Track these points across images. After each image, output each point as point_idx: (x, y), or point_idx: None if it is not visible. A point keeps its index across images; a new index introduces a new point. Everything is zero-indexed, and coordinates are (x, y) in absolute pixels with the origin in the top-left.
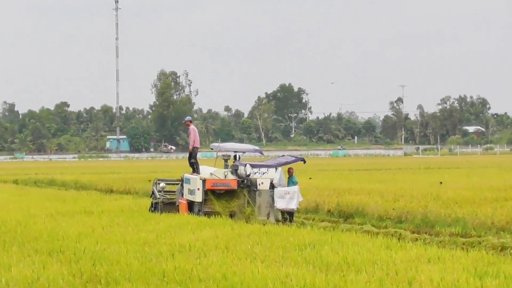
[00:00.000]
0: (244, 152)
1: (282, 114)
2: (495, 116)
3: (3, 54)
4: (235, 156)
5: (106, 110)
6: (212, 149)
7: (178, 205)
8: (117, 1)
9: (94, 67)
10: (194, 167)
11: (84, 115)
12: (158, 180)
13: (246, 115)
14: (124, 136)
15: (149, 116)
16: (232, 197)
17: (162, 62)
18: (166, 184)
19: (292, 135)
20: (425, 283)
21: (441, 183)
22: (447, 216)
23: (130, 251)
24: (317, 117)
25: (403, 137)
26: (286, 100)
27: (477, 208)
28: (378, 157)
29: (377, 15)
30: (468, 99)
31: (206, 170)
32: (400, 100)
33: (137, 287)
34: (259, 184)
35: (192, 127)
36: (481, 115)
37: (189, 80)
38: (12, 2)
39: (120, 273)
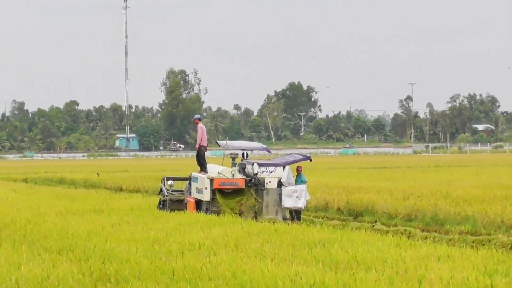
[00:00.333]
0: (251, 150)
1: (292, 113)
2: (504, 114)
3: (13, 52)
4: (242, 154)
5: (115, 108)
6: (219, 145)
7: (186, 203)
8: (126, 0)
9: (104, 65)
10: (202, 165)
11: (94, 113)
12: (166, 177)
13: (255, 113)
14: (134, 135)
15: (159, 115)
16: (240, 196)
17: (171, 61)
18: (174, 181)
19: (301, 134)
20: (434, 281)
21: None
22: (457, 214)
23: (140, 250)
24: (327, 115)
25: (412, 135)
26: (296, 99)
27: (486, 206)
28: (387, 155)
29: (387, 12)
30: (478, 97)
31: (214, 169)
32: (409, 98)
33: (146, 285)
34: (267, 183)
35: (200, 125)
36: (490, 113)
37: (198, 79)
38: (21, 0)
39: (130, 271)
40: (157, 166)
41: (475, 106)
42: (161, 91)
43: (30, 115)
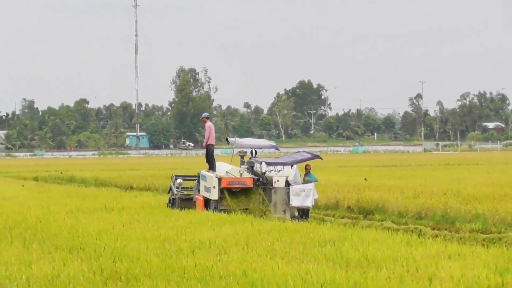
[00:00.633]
0: (260, 148)
1: (302, 111)
2: None
3: (23, 51)
4: (251, 152)
5: (125, 107)
6: (228, 142)
7: (195, 201)
8: None
9: (114, 64)
10: (211, 164)
11: (104, 112)
12: (175, 176)
13: (265, 111)
14: (144, 133)
15: (169, 113)
16: (248, 195)
17: (181, 59)
18: (183, 179)
19: (311, 132)
20: (445, 280)
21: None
22: (467, 213)
23: (150, 248)
24: (337, 114)
25: (422, 133)
26: (306, 97)
27: (497, 204)
28: (397, 153)
29: (397, 11)
30: (488, 95)
31: (222, 167)
32: (419, 96)
33: (157, 284)
34: (275, 182)
35: (208, 124)
36: (500, 111)
37: (208, 77)
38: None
39: (141, 270)
40: (167, 165)
41: (485, 104)
42: (171, 90)
43: (40, 114)
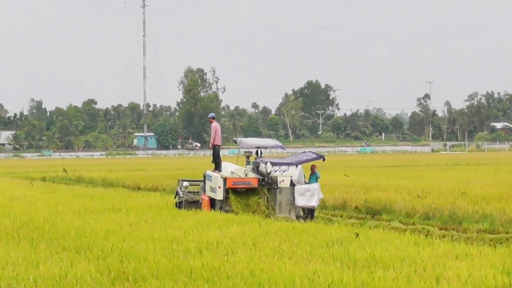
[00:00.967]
0: (266, 148)
1: (310, 111)
2: None
3: (31, 51)
4: (256, 152)
5: (133, 107)
6: (235, 142)
7: (201, 203)
8: None
9: (122, 64)
10: (217, 164)
11: (112, 112)
12: (181, 180)
13: (273, 112)
14: (152, 133)
15: (177, 113)
16: (253, 195)
17: (189, 59)
18: (190, 184)
19: (319, 132)
20: (452, 280)
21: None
22: (475, 213)
23: (158, 248)
24: (345, 114)
25: (430, 134)
26: (314, 97)
27: (505, 204)
28: (405, 153)
29: (405, 11)
30: (496, 95)
31: (228, 167)
32: (427, 96)
33: (164, 284)
34: (280, 182)
35: (214, 124)
36: (508, 111)
37: (216, 77)
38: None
39: (148, 270)
40: (175, 165)
41: (493, 104)
42: (179, 90)
43: (48, 114)
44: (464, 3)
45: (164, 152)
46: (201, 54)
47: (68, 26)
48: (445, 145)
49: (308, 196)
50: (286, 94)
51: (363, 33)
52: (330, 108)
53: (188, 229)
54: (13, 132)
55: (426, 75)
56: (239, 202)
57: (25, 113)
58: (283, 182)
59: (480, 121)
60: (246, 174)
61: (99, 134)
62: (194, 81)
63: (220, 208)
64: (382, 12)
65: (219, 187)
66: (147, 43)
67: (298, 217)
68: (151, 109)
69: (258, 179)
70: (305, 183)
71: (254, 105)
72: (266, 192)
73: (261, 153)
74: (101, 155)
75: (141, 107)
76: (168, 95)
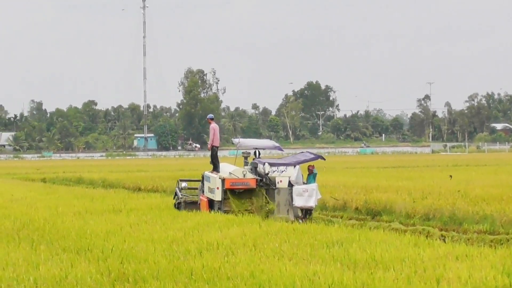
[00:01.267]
0: (264, 149)
1: (310, 112)
2: None
3: (31, 52)
4: (254, 153)
5: (133, 108)
6: (233, 143)
7: (199, 203)
8: (145, 0)
9: (122, 65)
10: (215, 165)
11: (112, 113)
12: (180, 180)
13: (273, 113)
14: (152, 135)
15: (177, 114)
16: (251, 195)
17: (189, 60)
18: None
19: (319, 133)
20: (453, 281)
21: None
22: (475, 214)
23: (158, 249)
24: (345, 115)
25: (430, 135)
26: (314, 98)
27: (505, 205)
28: (405, 154)
29: (404, 12)
30: (496, 96)
31: (226, 168)
32: (427, 97)
33: (165, 285)
34: (278, 182)
35: (212, 125)
36: (509, 112)
37: (216, 78)
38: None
39: (148, 271)
40: (175, 166)
41: (494, 105)
42: (179, 91)
43: (48, 115)
44: (465, 3)
45: (164, 153)
46: (201, 55)
47: (68, 27)
48: (445, 146)
49: (306, 196)
50: (286, 95)
51: (364, 34)
52: (330, 109)
53: (188, 230)
54: (13, 133)
55: (426, 76)
56: (238, 203)
57: (25, 114)
58: (281, 182)
59: (480, 122)
60: (244, 175)
61: (99, 135)
62: (194, 82)
63: (219, 209)
64: (382, 13)
65: (218, 188)
66: (147, 44)
67: (296, 217)
68: (151, 110)
69: (256, 179)
70: (303, 183)
71: (254, 106)
72: (264, 193)
73: (259, 153)
74: (101, 156)
75: (141, 108)
76: (168, 96)
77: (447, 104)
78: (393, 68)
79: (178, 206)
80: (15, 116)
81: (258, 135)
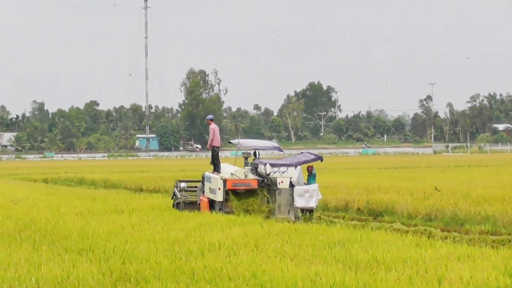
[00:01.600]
0: (263, 150)
1: (312, 113)
2: None
3: (33, 53)
4: (254, 153)
5: (135, 109)
6: (230, 143)
7: (199, 204)
8: (147, 0)
9: (124, 66)
10: (216, 165)
11: (114, 114)
12: (179, 181)
13: (275, 113)
14: (154, 135)
15: (179, 115)
16: (253, 196)
17: (191, 61)
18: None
19: (321, 134)
20: (454, 281)
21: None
22: (477, 214)
23: (160, 250)
24: (347, 115)
25: (432, 135)
26: (316, 99)
27: (507, 206)
28: (407, 155)
29: (407, 12)
30: (498, 97)
31: (227, 169)
32: (429, 98)
33: (166, 285)
34: (279, 183)
35: (212, 126)
36: (511, 112)
37: (218, 79)
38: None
39: (150, 271)
40: (177, 167)
41: (495, 105)
42: (181, 91)
43: (50, 116)
44: (467, 4)
45: (166, 153)
46: (203, 56)
47: (70, 28)
48: (447, 146)
49: (307, 197)
50: (288, 96)
51: (366, 35)
52: (332, 109)
53: (190, 231)
54: (15, 133)
55: (428, 76)
56: (239, 203)
57: (27, 114)
58: (282, 183)
59: (482, 122)
60: (246, 176)
61: (101, 136)
62: (196, 83)
63: (220, 209)
64: (384, 14)
65: (219, 189)
66: (149, 45)
67: (297, 218)
68: (153, 110)
69: (258, 180)
70: (304, 184)
71: (256, 107)
72: (265, 194)
73: (259, 154)
74: (103, 156)
75: (143, 109)
76: (170, 96)
77: (449, 105)
78: (395, 69)
79: (177, 206)
80: (17, 116)
81: (260, 136)
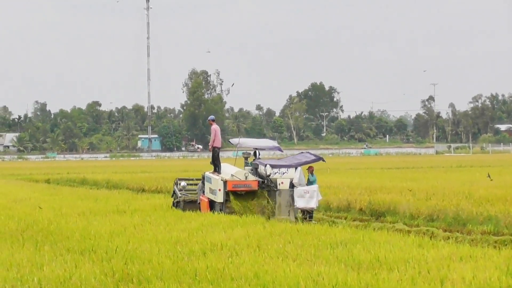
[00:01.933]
0: (263, 149)
1: (314, 113)
2: None
3: (35, 53)
4: (254, 153)
5: (137, 109)
6: (232, 143)
7: (199, 203)
8: (148, 1)
9: (126, 66)
10: (216, 166)
11: (116, 114)
12: (178, 179)
13: (277, 114)
14: (156, 135)
15: (181, 115)
16: (253, 197)
17: (193, 61)
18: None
19: (323, 134)
20: (457, 282)
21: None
22: (479, 215)
23: (162, 250)
24: (349, 116)
25: (434, 136)
26: (318, 99)
27: (509, 206)
28: (409, 155)
29: (408, 13)
30: (500, 97)
31: (227, 169)
32: (431, 98)
33: (169, 286)
34: (279, 184)
35: (214, 126)
36: None
37: (220, 79)
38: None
39: (152, 272)
40: (179, 167)
41: (498, 106)
42: (183, 92)
43: (52, 116)
44: (469, 4)
45: (168, 154)
46: (205, 56)
47: (72, 28)
48: (449, 147)
49: (307, 197)
50: (290, 96)
51: (368, 35)
52: (334, 110)
53: (192, 231)
54: (17, 134)
55: (430, 77)
56: (239, 204)
57: (29, 115)
58: (283, 184)
59: (484, 123)
60: (246, 177)
61: (103, 136)
62: (198, 83)
63: (220, 210)
64: (386, 14)
65: (220, 190)
66: (151, 45)
67: (297, 218)
68: (155, 111)
69: (258, 181)
70: (306, 184)
71: (258, 107)
72: (266, 194)
73: (259, 154)
74: (105, 157)
75: (145, 109)
76: (172, 97)
77: (451, 105)
78: (398, 69)
79: (176, 205)
80: (19, 117)
81: (262, 136)
